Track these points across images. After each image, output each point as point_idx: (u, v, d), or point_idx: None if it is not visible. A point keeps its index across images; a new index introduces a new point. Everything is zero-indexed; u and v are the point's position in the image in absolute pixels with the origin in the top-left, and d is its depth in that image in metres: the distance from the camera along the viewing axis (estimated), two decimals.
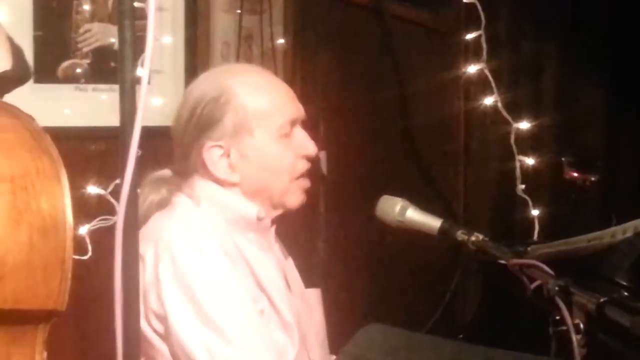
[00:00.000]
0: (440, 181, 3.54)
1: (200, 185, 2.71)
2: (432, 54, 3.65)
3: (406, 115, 3.49)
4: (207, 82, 2.81)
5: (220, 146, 2.68)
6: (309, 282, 2.92)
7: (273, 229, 2.78)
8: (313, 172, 2.77)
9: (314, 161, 2.77)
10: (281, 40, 3.62)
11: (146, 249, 2.56)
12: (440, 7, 3.63)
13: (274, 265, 2.73)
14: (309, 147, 2.72)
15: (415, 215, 2.55)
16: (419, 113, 3.55)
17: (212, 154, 2.68)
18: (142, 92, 1.54)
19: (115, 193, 3.71)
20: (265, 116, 2.68)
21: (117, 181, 3.49)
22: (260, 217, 2.71)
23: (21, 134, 2.36)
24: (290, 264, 2.88)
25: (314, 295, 2.88)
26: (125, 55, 1.54)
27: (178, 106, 2.81)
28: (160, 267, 2.55)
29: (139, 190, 2.64)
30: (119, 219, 1.64)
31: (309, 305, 2.83)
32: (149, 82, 1.57)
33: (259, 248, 2.72)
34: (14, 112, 2.41)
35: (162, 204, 2.73)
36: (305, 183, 2.75)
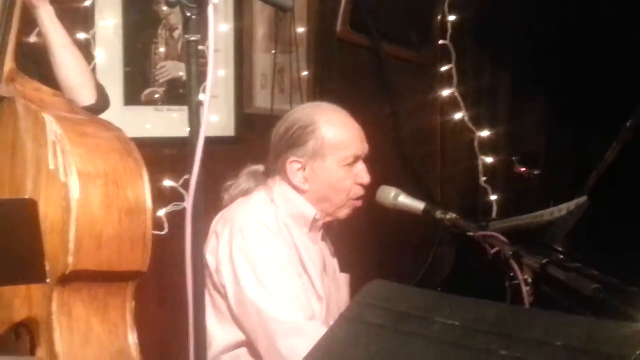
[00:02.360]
0: (423, 175, 3.51)
1: (278, 185, 2.68)
2: (417, 82, 3.62)
3: (397, 127, 3.48)
4: (303, 112, 2.78)
5: (300, 162, 2.65)
6: (342, 269, 2.88)
7: (322, 229, 2.77)
8: (364, 196, 2.74)
9: (366, 188, 2.72)
10: (305, 73, 3.61)
11: (224, 228, 2.58)
12: (421, 47, 3.59)
13: (317, 254, 2.70)
14: (365, 178, 2.68)
15: (405, 200, 2.55)
16: (407, 126, 3.52)
17: (293, 167, 2.65)
18: (205, 112, 1.53)
19: (184, 186, 3.68)
20: (337, 148, 2.64)
21: (186, 176, 3.50)
22: (316, 219, 2.69)
23: (113, 142, 2.46)
24: (330, 254, 2.83)
25: (343, 278, 2.84)
26: (192, 85, 1.55)
27: (279, 123, 2.76)
28: (233, 243, 2.54)
29: (233, 181, 2.73)
30: (188, 205, 1.59)
31: (338, 287, 2.80)
32: (209, 104, 1.56)
33: (309, 240, 2.69)
34: (108, 126, 2.54)
35: (247, 193, 2.71)
36: (357, 204, 2.72)
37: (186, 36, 1.54)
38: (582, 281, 2.02)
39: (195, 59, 1.54)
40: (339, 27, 3.46)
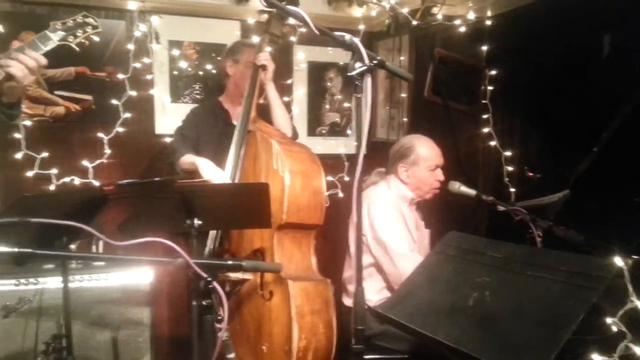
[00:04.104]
0: (472, 176, 3.46)
1: (393, 180, 2.70)
2: (468, 124, 3.55)
3: (457, 149, 3.47)
4: (407, 139, 2.76)
5: (405, 167, 2.68)
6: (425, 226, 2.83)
7: (415, 205, 2.73)
8: (441, 187, 2.71)
9: (441, 183, 2.69)
10: (405, 119, 3.62)
11: (364, 202, 2.56)
12: (471, 104, 3.53)
13: (413, 218, 2.68)
14: (441, 177, 2.68)
15: (464, 188, 2.56)
16: (462, 148, 3.51)
17: (401, 169, 2.68)
18: (364, 139, 1.56)
19: (339, 180, 3.78)
20: (426, 160, 2.66)
21: (340, 174, 3.69)
22: (413, 198, 2.69)
23: (305, 155, 2.57)
24: (419, 218, 2.77)
25: (426, 232, 2.79)
26: (362, 123, 1.54)
27: (394, 145, 2.76)
28: (370, 210, 2.58)
29: (366, 177, 2.74)
30: (355, 186, 1.63)
31: (423, 237, 2.75)
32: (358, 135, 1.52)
33: (409, 210, 2.68)
34: (302, 146, 2.66)
35: (375, 183, 2.73)
36: (436, 191, 2.70)
37: (354, 94, 1.55)
38: (571, 235, 2.01)
39: (359, 108, 1.55)
40: (425, 93, 3.45)
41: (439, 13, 3.32)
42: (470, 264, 1.64)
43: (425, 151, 2.68)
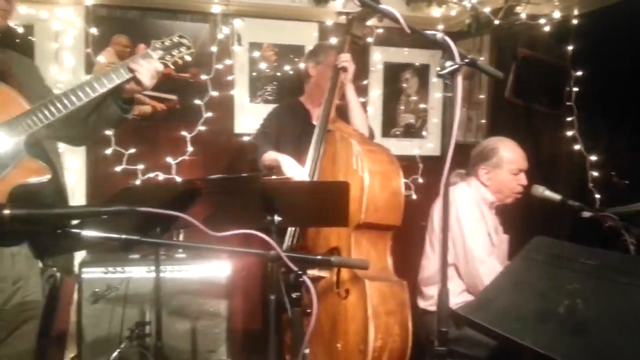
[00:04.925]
0: (555, 181, 3.28)
1: (473, 181, 2.64)
2: (551, 127, 3.48)
3: (539, 152, 3.35)
4: (491, 141, 2.70)
5: (486, 169, 2.61)
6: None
7: (495, 208, 2.65)
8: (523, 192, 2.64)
9: (524, 187, 2.63)
10: (483, 120, 3.59)
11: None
12: (554, 106, 3.45)
13: (492, 221, 2.60)
14: (523, 182, 2.61)
15: (548, 193, 2.48)
16: (545, 151, 3.42)
17: (482, 171, 2.62)
18: (452, 140, 1.52)
19: (413, 181, 3.77)
20: (509, 163, 2.59)
21: (414, 176, 3.69)
22: (493, 202, 2.62)
23: (384, 155, 2.56)
24: (499, 223, 2.68)
25: (505, 237, 2.71)
26: (454, 122, 1.49)
27: (477, 147, 2.72)
28: (450, 210, 2.40)
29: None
30: (442, 184, 1.60)
31: (502, 241, 2.67)
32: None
33: (489, 213, 2.61)
34: (381, 146, 2.66)
35: (454, 184, 2.64)
36: (517, 196, 2.62)
37: (444, 93, 1.54)
38: None
39: (450, 107, 1.53)
40: (507, 93, 3.36)
41: (523, 12, 3.22)
42: (560, 270, 1.59)
43: (509, 154, 2.62)
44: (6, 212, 0.99)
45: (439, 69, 1.50)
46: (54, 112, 1.74)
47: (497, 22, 3.28)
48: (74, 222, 1.21)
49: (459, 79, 1.49)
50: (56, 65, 3.25)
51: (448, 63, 1.49)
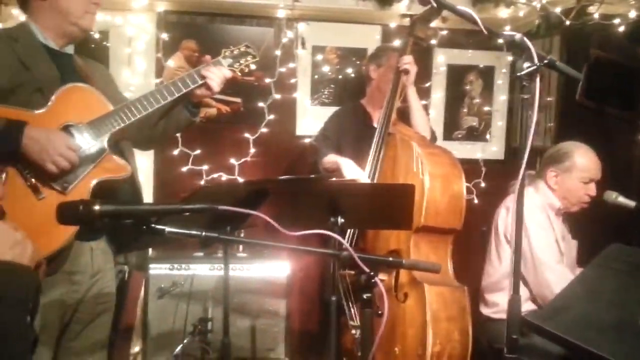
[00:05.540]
0: (628, 187, 3.01)
1: (541, 184, 2.58)
2: (625, 131, 3.33)
3: (611, 158, 2.97)
4: (566, 144, 2.64)
5: (556, 172, 2.56)
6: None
7: (562, 215, 2.59)
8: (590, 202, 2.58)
9: (592, 198, 2.57)
10: (551, 124, 3.49)
11: (508, 208, 2.55)
12: (630, 109, 3.20)
13: (560, 227, 2.56)
14: (593, 193, 2.54)
15: (622, 200, 2.44)
16: (617, 157, 3.20)
17: (550, 174, 2.57)
18: (528, 143, 1.50)
19: (475, 185, 3.71)
20: (581, 171, 2.53)
21: (475, 180, 3.61)
22: (560, 208, 2.56)
23: (446, 158, 2.56)
24: (567, 229, 2.64)
25: (573, 243, 2.67)
26: (532, 129, 1.48)
27: (550, 149, 2.65)
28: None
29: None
30: (515, 188, 1.60)
31: (570, 248, 2.62)
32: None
33: (556, 219, 2.56)
34: (443, 149, 2.67)
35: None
36: (584, 205, 2.57)
37: (521, 95, 1.51)
38: None
39: (526, 110, 1.52)
40: (578, 96, 2.97)
41: (596, 12, 3.09)
42: (638, 281, 1.55)
43: (583, 161, 2.55)
44: (96, 207, 1.03)
45: (516, 70, 1.48)
46: (135, 113, 1.88)
47: (568, 22, 3.19)
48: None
49: (537, 81, 1.47)
50: (129, 69, 3.39)
51: (526, 64, 1.47)
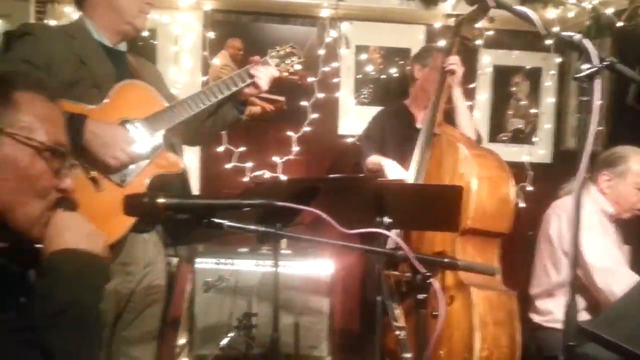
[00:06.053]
0: None
1: (592, 188, 2.53)
2: None
3: None
4: (622, 148, 2.58)
5: (608, 176, 2.51)
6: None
7: (615, 220, 2.51)
8: None
9: None
10: (600, 128, 3.43)
11: (562, 213, 2.50)
12: None
13: (612, 231, 2.50)
14: None
15: None
16: None
17: (603, 177, 2.52)
18: (587, 148, 1.46)
19: (521, 188, 3.63)
20: (636, 176, 2.47)
21: (522, 184, 3.54)
22: (612, 215, 2.50)
23: (493, 160, 2.50)
24: (619, 234, 2.57)
25: (626, 248, 2.61)
26: (590, 130, 1.43)
27: (605, 152, 2.60)
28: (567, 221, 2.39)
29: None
30: (575, 193, 1.53)
31: (623, 253, 2.53)
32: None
33: (609, 224, 2.49)
34: (490, 150, 2.61)
35: (571, 192, 2.45)
36: (637, 212, 2.51)
37: (580, 97, 1.46)
38: None
39: (585, 112, 1.45)
40: (629, 100, 3.03)
41: None
42: None
43: (637, 165, 2.47)
44: (161, 201, 1.05)
45: (575, 72, 1.44)
46: (188, 110, 1.93)
47: (620, 24, 3.11)
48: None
49: (597, 83, 1.42)
50: (176, 67, 3.44)
51: (585, 66, 1.43)
